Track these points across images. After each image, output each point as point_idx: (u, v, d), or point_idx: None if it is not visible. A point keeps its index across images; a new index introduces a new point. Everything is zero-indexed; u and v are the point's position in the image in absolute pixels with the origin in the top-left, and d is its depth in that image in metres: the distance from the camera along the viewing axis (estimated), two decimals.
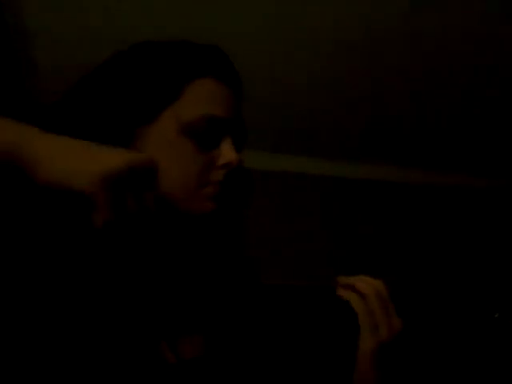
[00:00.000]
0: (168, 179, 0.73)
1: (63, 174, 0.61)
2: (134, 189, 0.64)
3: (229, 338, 0.79)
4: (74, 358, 0.65)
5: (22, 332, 0.64)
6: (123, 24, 1.94)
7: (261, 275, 0.90)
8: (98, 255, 0.71)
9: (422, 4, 1.88)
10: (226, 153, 0.77)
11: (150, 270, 0.76)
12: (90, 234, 0.67)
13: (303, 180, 2.85)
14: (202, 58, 0.79)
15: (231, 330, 0.81)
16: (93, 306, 0.68)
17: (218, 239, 0.83)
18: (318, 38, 2.03)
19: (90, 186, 0.60)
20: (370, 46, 2.08)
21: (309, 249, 2.70)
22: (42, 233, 0.68)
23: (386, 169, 2.91)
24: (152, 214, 0.66)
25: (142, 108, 0.76)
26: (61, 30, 1.98)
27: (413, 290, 2.58)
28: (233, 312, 0.82)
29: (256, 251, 0.89)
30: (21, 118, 0.65)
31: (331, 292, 0.83)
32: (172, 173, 0.73)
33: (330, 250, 2.73)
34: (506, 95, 2.34)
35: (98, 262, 0.71)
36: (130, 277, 0.73)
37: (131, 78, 0.77)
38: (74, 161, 0.61)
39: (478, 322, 2.27)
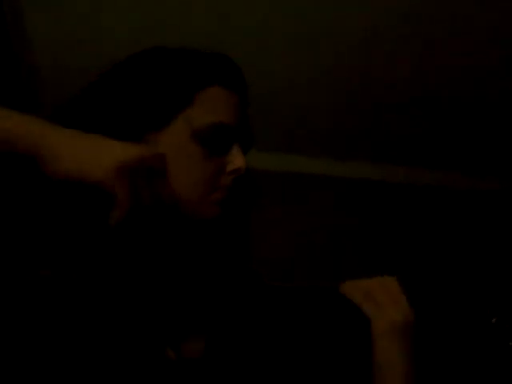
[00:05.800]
0: (178, 184, 0.75)
1: (78, 165, 0.63)
2: (144, 183, 0.66)
3: (231, 339, 0.80)
4: (74, 357, 0.65)
5: (26, 332, 0.64)
6: (123, 25, 1.94)
7: (264, 276, 0.91)
8: (108, 253, 0.72)
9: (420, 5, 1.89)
10: (235, 159, 0.79)
11: (155, 272, 0.76)
12: (101, 230, 0.69)
13: (304, 180, 2.85)
14: (213, 66, 0.82)
15: (233, 332, 0.81)
16: (97, 304, 0.69)
17: (222, 242, 0.84)
18: (318, 38, 2.04)
19: (106, 176, 0.62)
20: (371, 46, 2.08)
21: (311, 248, 2.71)
22: (53, 227, 0.69)
23: (387, 169, 2.91)
24: (158, 211, 0.67)
25: (152, 114, 0.77)
26: (61, 30, 1.98)
27: (410, 293, 2.57)
28: (235, 314, 0.83)
29: (257, 252, 0.90)
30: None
31: (335, 292, 0.84)
32: (182, 178, 0.75)
33: (332, 249, 2.73)
34: (507, 94, 2.34)
35: (107, 260, 0.71)
36: (136, 278, 0.74)
37: (142, 84, 0.78)
38: (89, 153, 0.63)
39: (475, 326, 2.27)
